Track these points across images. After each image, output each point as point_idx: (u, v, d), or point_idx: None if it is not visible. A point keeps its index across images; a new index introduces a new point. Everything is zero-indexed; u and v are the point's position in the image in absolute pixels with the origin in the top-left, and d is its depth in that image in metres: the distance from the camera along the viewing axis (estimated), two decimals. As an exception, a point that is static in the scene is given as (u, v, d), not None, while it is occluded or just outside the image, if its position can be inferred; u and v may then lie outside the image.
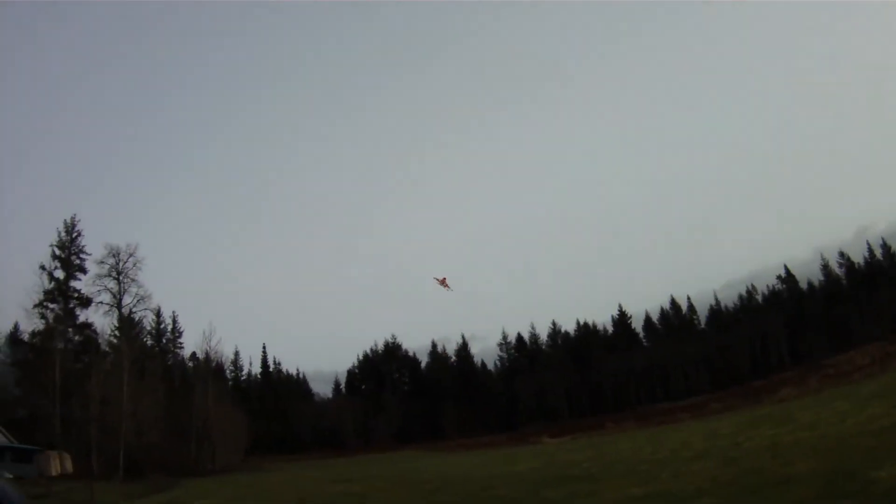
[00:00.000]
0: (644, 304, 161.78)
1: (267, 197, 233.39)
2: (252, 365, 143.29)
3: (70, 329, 77.47)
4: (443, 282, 56.60)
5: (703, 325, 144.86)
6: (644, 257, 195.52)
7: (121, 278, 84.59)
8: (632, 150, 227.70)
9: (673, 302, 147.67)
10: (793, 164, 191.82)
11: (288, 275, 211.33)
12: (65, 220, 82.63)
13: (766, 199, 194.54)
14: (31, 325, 76.79)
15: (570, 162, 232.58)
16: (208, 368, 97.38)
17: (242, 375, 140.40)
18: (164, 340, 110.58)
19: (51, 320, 75.85)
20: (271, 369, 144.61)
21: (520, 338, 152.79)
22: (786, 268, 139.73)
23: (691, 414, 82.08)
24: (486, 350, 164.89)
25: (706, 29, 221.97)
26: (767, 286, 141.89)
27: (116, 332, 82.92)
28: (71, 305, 79.41)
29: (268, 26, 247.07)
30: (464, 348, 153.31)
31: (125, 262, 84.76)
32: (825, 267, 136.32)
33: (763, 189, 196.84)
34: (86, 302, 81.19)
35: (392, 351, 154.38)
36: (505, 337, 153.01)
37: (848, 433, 25.73)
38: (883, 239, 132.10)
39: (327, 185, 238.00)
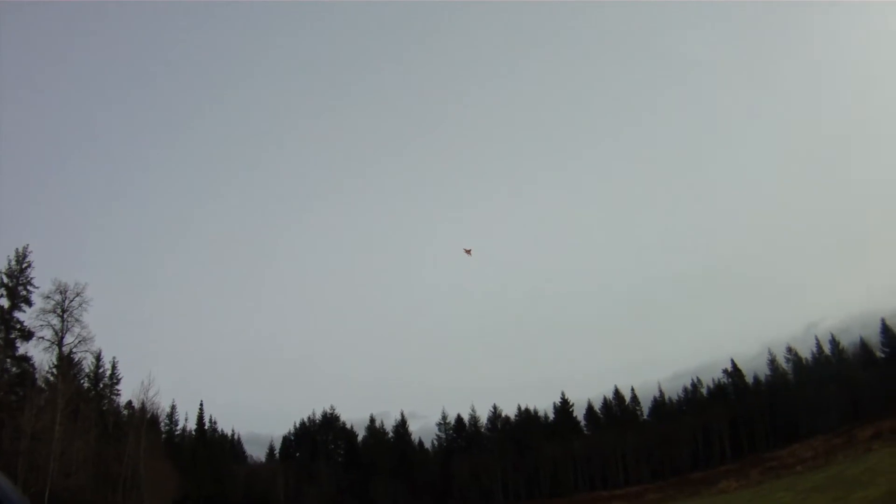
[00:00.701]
0: (587, 392, 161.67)
1: (221, 253, 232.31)
2: (188, 420, 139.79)
3: (8, 359, 75.30)
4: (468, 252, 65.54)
5: (646, 416, 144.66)
6: (590, 346, 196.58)
7: (65, 316, 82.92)
8: (581, 239, 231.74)
9: (617, 392, 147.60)
10: (743, 259, 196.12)
11: (231, 333, 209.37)
12: (17, 248, 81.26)
13: (716, 293, 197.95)
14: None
15: (518, 248, 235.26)
16: (143, 418, 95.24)
17: (177, 430, 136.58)
18: (101, 385, 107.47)
19: (-10, 348, 73.97)
20: (206, 427, 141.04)
21: (459, 419, 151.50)
22: (732, 362, 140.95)
23: (628, 502, 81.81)
24: (424, 429, 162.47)
25: (650, 132, 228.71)
26: (713, 379, 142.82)
27: (54, 370, 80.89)
28: (12, 336, 77.37)
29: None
30: (402, 425, 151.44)
31: (71, 301, 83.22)
32: (772, 361, 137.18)
33: (713, 284, 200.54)
34: (27, 335, 79.16)
35: (330, 421, 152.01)
36: (444, 417, 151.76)
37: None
38: (832, 334, 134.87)
39: (278, 251, 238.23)
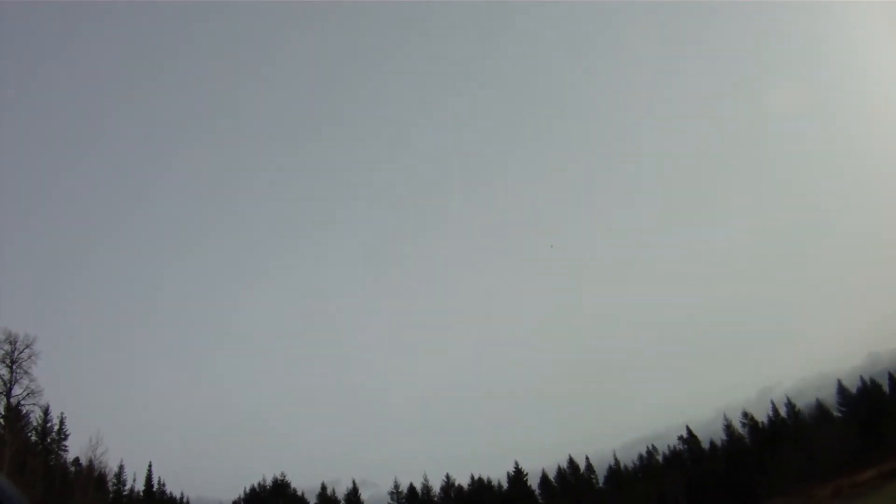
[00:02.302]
0: (541, 461, 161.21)
1: (171, 316, 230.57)
2: (136, 481, 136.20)
3: (-45, 408, 74.03)
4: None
5: (601, 484, 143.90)
6: (543, 415, 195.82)
7: (14, 367, 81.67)
8: (531, 308, 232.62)
9: (571, 461, 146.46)
10: (695, 326, 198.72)
11: (182, 394, 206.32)
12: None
13: (669, 360, 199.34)
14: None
15: (469, 316, 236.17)
16: (91, 476, 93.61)
17: (125, 490, 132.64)
18: (48, 439, 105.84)
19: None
20: (155, 489, 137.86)
21: (412, 488, 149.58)
22: (688, 428, 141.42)
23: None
24: (376, 497, 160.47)
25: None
26: (669, 446, 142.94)
27: (1, 421, 79.52)
28: (-41, 385, 76.16)
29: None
30: (354, 493, 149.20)
31: (21, 352, 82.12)
32: (728, 427, 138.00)
33: (665, 351, 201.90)
34: (-26, 384, 78.00)
35: (280, 488, 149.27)
36: (397, 486, 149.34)
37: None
38: (788, 397, 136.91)
39: (234, 307, 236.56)
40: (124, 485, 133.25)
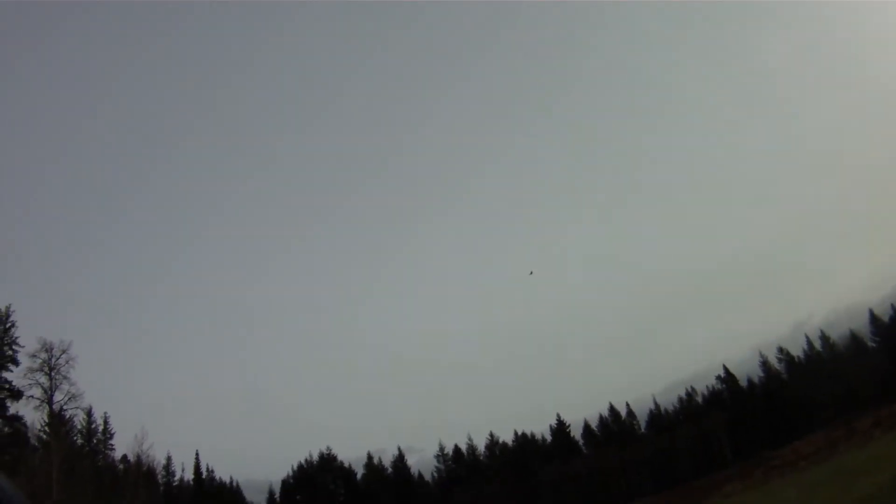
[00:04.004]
0: (583, 412, 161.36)
1: (206, 300, 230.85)
2: (184, 471, 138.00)
3: (-1, 420, 74.65)
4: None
5: (643, 430, 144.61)
6: (582, 365, 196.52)
7: (52, 374, 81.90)
8: (568, 258, 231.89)
9: (612, 409, 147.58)
10: (726, 264, 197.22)
11: (223, 381, 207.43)
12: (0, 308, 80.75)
13: (701, 301, 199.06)
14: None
15: (507, 272, 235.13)
16: (139, 472, 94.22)
17: (174, 481, 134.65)
18: (94, 441, 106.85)
19: (-20, 409, 73.24)
20: (204, 476, 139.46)
21: (457, 449, 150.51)
22: (725, 368, 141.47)
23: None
24: (423, 461, 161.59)
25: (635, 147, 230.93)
26: (707, 387, 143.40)
27: (46, 428, 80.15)
28: (1, 396, 76.62)
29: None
30: (400, 459, 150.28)
31: (58, 358, 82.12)
32: (764, 363, 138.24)
33: (698, 291, 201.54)
34: (16, 394, 78.24)
35: (327, 462, 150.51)
36: (442, 448, 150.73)
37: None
38: (821, 330, 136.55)
39: (269, 292, 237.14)
40: (173, 476, 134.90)
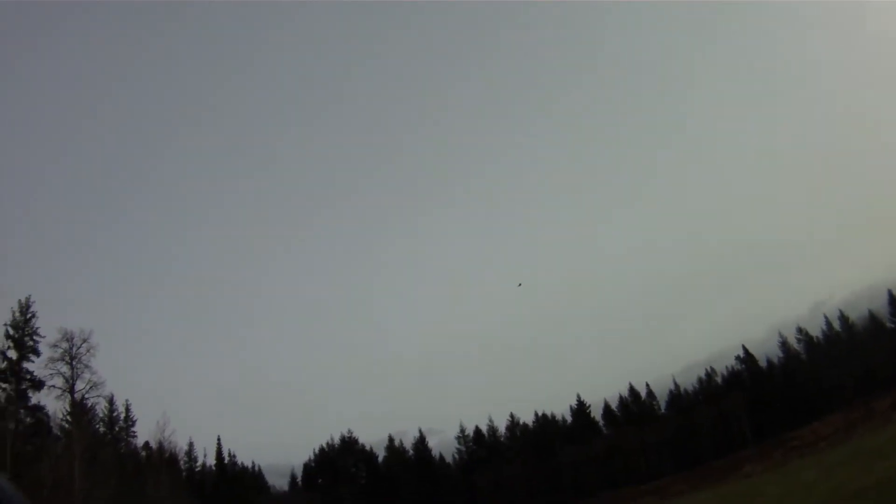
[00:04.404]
0: (603, 392, 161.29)
1: (225, 287, 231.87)
2: (206, 456, 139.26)
3: (22, 410, 75.09)
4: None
5: (663, 410, 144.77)
6: (601, 346, 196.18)
7: (74, 363, 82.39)
8: (585, 240, 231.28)
9: (632, 389, 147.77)
10: (744, 245, 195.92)
11: (243, 366, 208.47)
12: (19, 300, 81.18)
13: (720, 281, 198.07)
14: (-20, 402, 74.73)
15: (523, 254, 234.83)
16: (161, 458, 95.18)
17: (197, 467, 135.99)
18: (116, 428, 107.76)
19: (2, 400, 73.68)
20: (226, 461, 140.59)
21: (478, 431, 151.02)
22: (744, 348, 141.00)
23: (656, 497, 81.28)
24: (443, 443, 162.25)
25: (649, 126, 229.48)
26: (727, 367, 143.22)
27: (68, 417, 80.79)
28: (23, 386, 77.07)
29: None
30: (421, 441, 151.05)
31: (78, 348, 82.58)
32: (783, 344, 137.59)
33: (716, 272, 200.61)
34: (38, 384, 78.81)
35: (348, 445, 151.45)
36: (463, 430, 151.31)
37: (818, 501, 25.55)
38: (840, 311, 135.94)
39: (287, 277, 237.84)
40: (196, 462, 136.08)
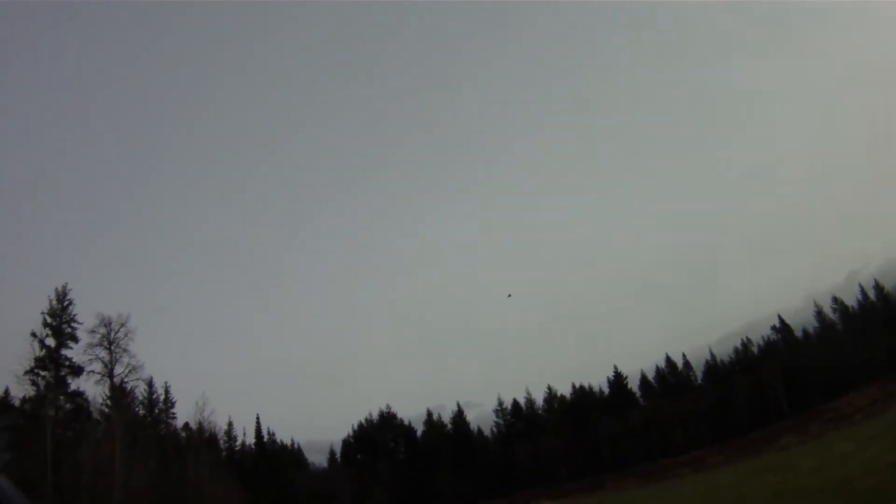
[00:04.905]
0: (639, 363, 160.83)
1: (260, 266, 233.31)
2: (246, 435, 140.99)
3: (61, 397, 76.12)
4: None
5: (699, 381, 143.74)
6: (637, 317, 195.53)
7: (112, 348, 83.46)
8: (621, 213, 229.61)
9: (668, 360, 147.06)
10: (779, 214, 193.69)
11: (280, 345, 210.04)
12: (56, 288, 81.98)
13: (755, 250, 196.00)
14: (21, 391, 75.80)
15: (560, 227, 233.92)
16: (201, 439, 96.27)
17: (236, 446, 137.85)
18: (156, 410, 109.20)
19: (42, 387, 74.68)
20: (265, 439, 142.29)
21: (516, 403, 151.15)
22: (779, 317, 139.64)
23: (692, 468, 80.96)
24: (482, 416, 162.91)
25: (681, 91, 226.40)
26: (762, 337, 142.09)
27: (108, 402, 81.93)
28: (62, 373, 78.06)
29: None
30: (459, 415, 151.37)
31: (116, 332, 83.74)
32: (819, 313, 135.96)
33: (751, 241, 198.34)
34: (77, 370, 79.91)
35: (387, 420, 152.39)
36: (501, 403, 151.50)
37: (852, 474, 25.17)
38: (875, 280, 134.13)
39: (321, 254, 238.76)
40: (235, 441, 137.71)
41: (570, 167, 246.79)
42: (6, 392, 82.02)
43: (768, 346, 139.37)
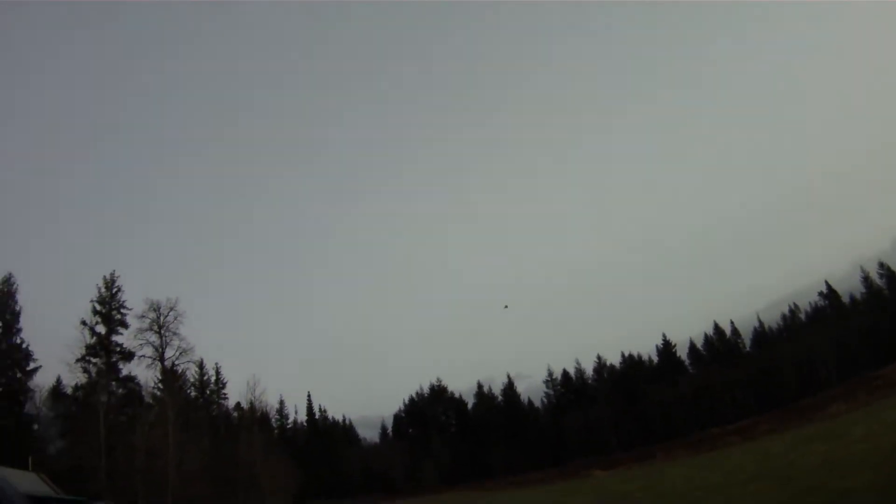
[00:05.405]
0: (688, 331, 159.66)
1: (308, 244, 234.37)
2: (297, 413, 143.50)
3: (113, 382, 77.59)
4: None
5: (748, 348, 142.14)
6: (685, 285, 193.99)
7: (162, 332, 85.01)
8: (669, 177, 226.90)
9: (716, 327, 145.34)
10: (826, 178, 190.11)
11: (330, 322, 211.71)
12: (104, 276, 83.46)
13: (802, 216, 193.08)
14: (73, 379, 77.41)
15: (608, 194, 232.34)
16: (253, 418, 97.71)
17: (288, 424, 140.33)
18: (207, 392, 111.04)
19: (94, 374, 76.15)
20: (317, 416, 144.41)
21: (565, 374, 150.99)
22: (827, 283, 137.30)
23: (741, 437, 79.77)
24: (532, 388, 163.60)
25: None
26: (810, 303, 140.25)
27: (160, 385, 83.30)
28: (113, 359, 79.60)
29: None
30: (510, 387, 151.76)
31: (166, 316, 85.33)
32: (866, 279, 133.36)
33: (798, 206, 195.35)
34: (128, 356, 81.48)
35: (438, 393, 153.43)
36: (550, 374, 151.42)
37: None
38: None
39: (371, 230, 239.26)
40: (287, 419, 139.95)
41: (619, 142, 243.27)
42: (58, 381, 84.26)
43: (816, 313, 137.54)
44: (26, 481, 48.17)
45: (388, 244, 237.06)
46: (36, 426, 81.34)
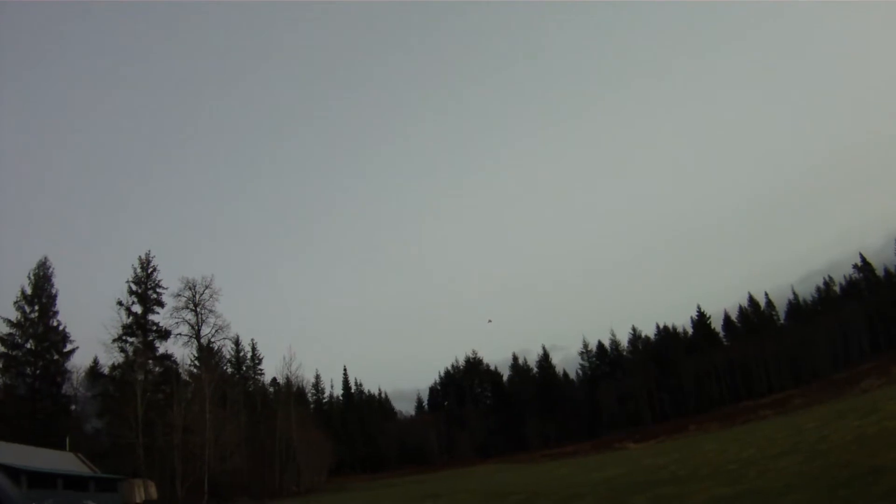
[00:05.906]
0: (722, 303, 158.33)
1: (343, 220, 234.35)
2: (333, 387, 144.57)
3: (150, 361, 78.12)
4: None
5: (782, 321, 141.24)
6: (720, 256, 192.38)
7: (198, 310, 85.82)
8: (703, 151, 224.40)
9: (751, 299, 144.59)
10: (860, 151, 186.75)
11: (366, 297, 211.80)
12: (140, 256, 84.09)
13: (837, 188, 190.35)
14: (110, 358, 78.02)
15: (640, 166, 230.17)
16: (289, 393, 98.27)
17: (324, 398, 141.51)
18: (244, 368, 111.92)
19: (130, 353, 76.72)
20: (353, 391, 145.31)
21: (600, 345, 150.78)
22: (861, 256, 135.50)
23: (774, 410, 79.30)
24: (567, 359, 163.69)
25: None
26: (844, 276, 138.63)
27: (196, 362, 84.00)
28: (150, 338, 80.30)
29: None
30: (545, 359, 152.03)
31: (202, 294, 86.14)
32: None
33: (832, 179, 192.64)
34: (164, 334, 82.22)
35: (473, 366, 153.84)
36: (586, 345, 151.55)
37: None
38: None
39: (404, 208, 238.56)
40: (323, 393, 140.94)
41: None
42: (95, 361, 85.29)
43: (850, 286, 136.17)
44: (64, 461, 48.98)
45: (424, 217, 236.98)
46: (74, 407, 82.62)
